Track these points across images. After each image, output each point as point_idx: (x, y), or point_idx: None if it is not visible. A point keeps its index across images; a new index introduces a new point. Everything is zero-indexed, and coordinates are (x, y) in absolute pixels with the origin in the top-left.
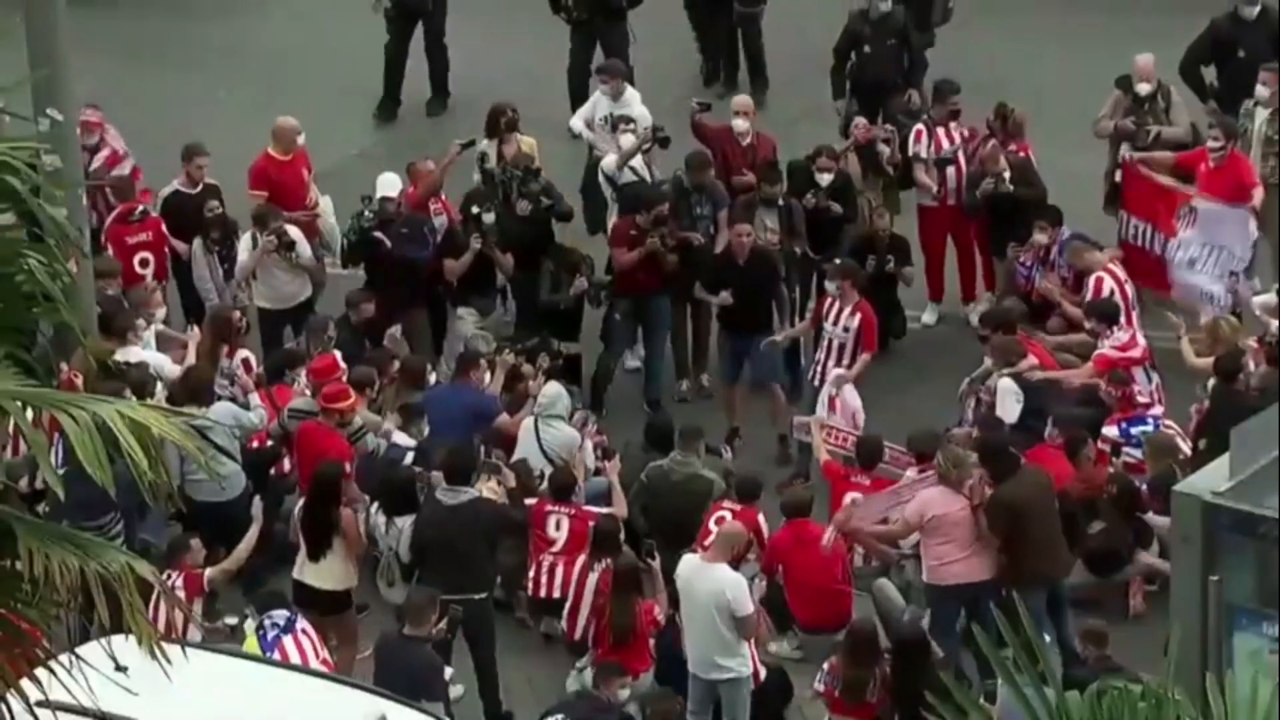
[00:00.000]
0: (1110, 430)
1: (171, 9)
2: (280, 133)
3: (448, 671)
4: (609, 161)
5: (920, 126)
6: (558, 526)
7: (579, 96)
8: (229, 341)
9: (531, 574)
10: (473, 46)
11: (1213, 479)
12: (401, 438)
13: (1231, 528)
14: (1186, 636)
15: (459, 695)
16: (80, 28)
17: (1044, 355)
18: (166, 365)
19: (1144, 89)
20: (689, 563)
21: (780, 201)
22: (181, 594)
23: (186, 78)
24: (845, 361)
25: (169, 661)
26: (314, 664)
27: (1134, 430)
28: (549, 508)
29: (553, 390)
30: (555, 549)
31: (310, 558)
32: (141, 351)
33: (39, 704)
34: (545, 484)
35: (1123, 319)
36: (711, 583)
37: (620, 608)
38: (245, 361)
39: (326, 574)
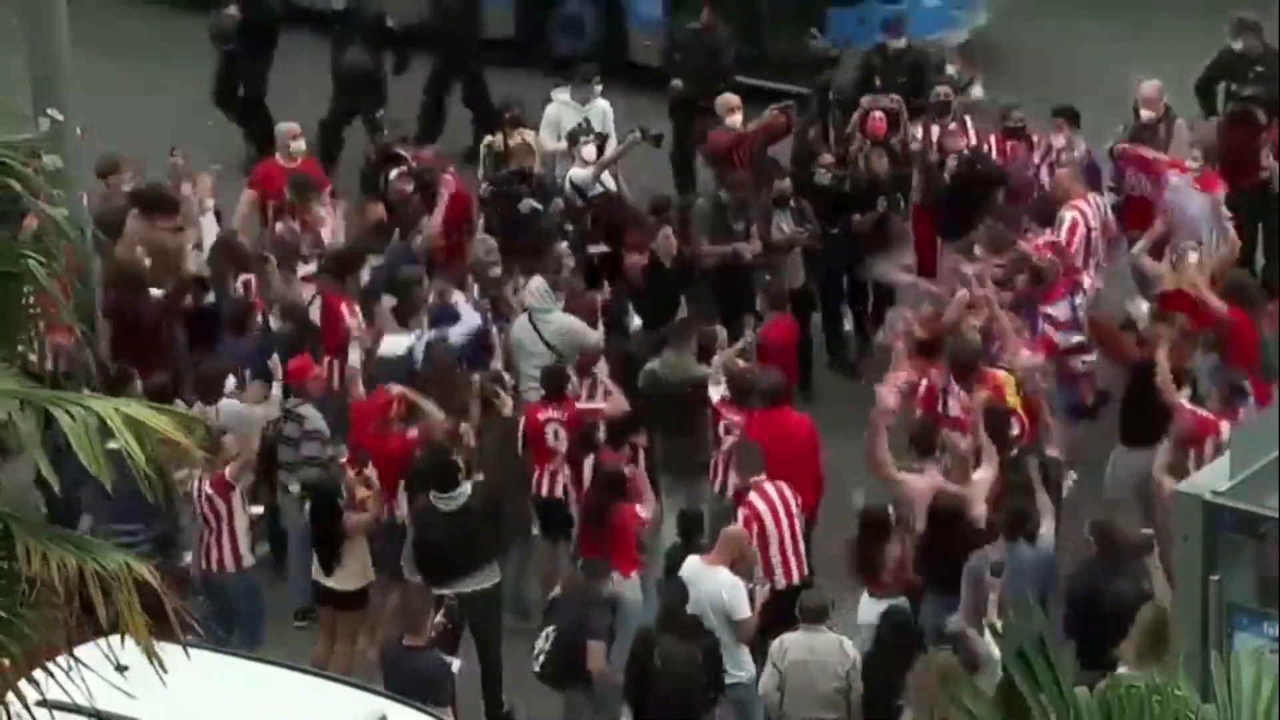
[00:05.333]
0: (1057, 310)
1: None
2: (280, 137)
3: (455, 664)
4: (581, 173)
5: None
6: (556, 437)
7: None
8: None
9: (535, 476)
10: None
11: (1213, 479)
12: (392, 343)
13: (1231, 527)
14: (1187, 636)
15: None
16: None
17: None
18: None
19: (1146, 115)
20: (691, 565)
21: (792, 202)
22: (211, 491)
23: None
24: None
25: (164, 669)
26: None
27: (1077, 303)
28: (542, 415)
29: (534, 284)
30: (557, 459)
31: (324, 571)
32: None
33: (38, 704)
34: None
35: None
36: (711, 584)
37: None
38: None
39: (342, 577)
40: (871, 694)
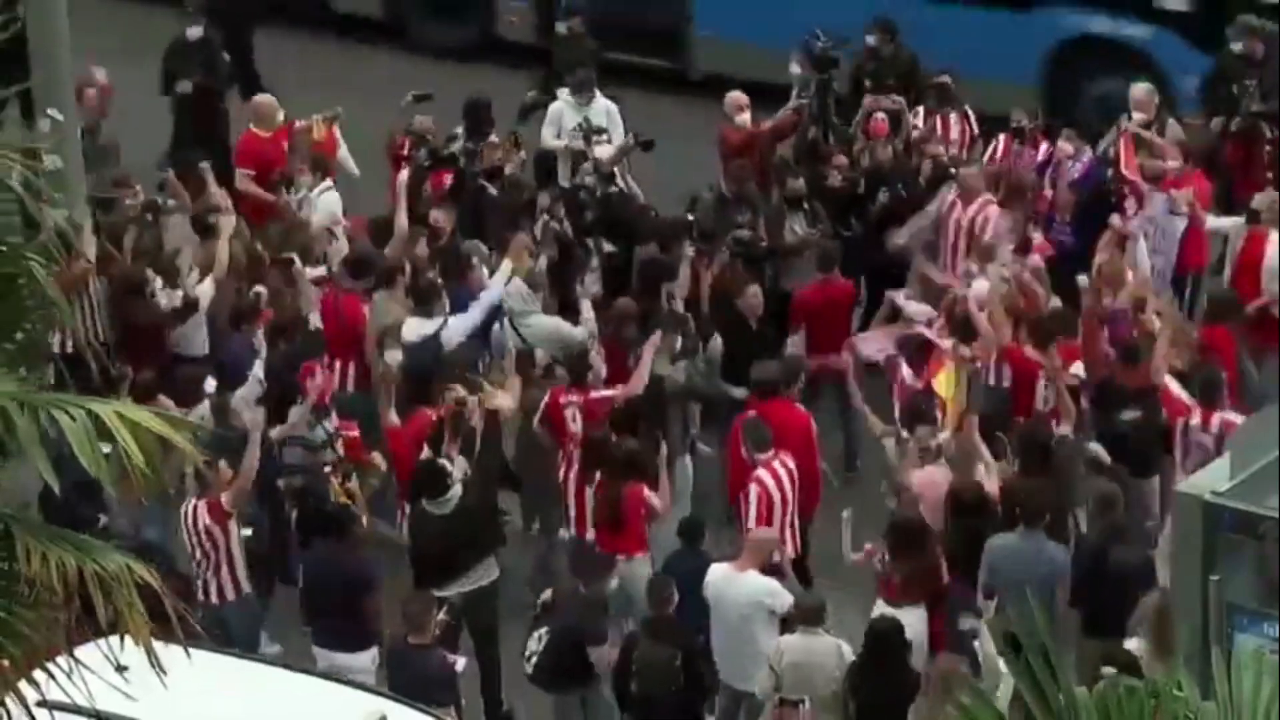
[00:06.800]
0: None
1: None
2: (259, 110)
3: (460, 663)
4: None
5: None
6: (574, 419)
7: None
8: None
9: (559, 457)
10: None
11: (1213, 479)
12: (417, 327)
13: (1231, 528)
14: (1187, 636)
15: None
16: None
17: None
18: None
19: (1138, 118)
20: (719, 572)
21: (805, 205)
22: (207, 519)
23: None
24: None
25: (164, 671)
26: None
27: None
28: (563, 399)
29: (513, 286)
30: (576, 441)
31: None
32: None
33: (38, 704)
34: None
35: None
36: (745, 591)
37: (610, 493)
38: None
39: None
40: (859, 706)
